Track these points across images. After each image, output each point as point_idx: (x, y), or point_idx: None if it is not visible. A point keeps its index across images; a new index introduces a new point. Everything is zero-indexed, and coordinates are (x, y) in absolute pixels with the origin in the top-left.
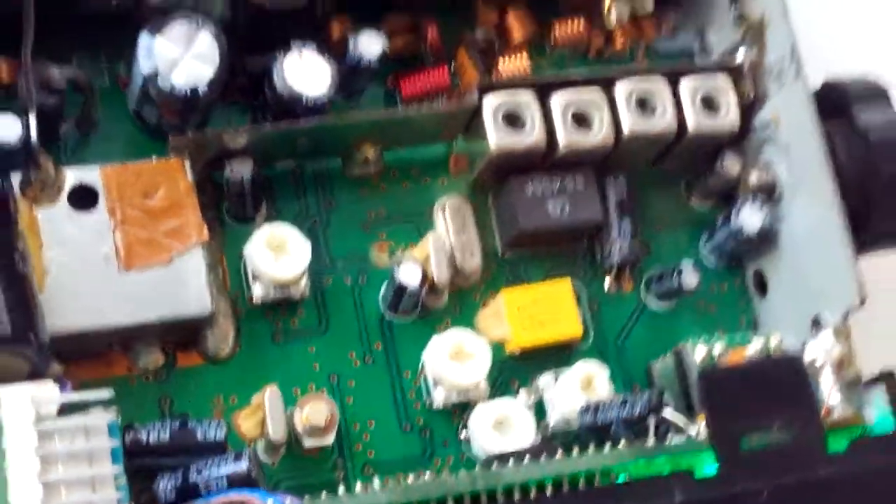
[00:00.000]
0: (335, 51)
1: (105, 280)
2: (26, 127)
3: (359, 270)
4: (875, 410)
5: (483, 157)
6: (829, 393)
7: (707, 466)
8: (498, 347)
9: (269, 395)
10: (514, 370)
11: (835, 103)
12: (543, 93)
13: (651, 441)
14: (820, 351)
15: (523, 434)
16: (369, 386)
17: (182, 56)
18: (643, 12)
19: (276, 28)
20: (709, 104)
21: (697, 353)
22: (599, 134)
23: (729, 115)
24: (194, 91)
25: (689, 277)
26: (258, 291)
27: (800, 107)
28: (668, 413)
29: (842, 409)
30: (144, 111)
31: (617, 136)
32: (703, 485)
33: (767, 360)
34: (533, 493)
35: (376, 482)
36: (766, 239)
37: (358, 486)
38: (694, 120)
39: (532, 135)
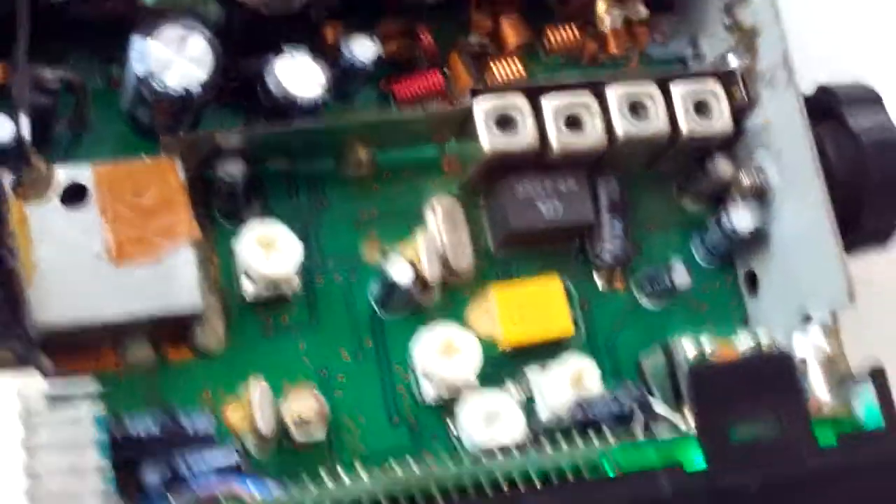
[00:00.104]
0: (329, 55)
1: (95, 276)
2: (18, 126)
3: (350, 268)
4: (863, 406)
5: (476, 159)
6: (818, 388)
7: (696, 460)
8: (489, 344)
9: (258, 389)
10: (504, 367)
11: (827, 107)
12: (535, 96)
13: (639, 434)
14: (809, 347)
15: (513, 428)
16: (359, 381)
17: (175, 58)
18: (637, 19)
19: (270, 32)
20: (701, 109)
21: (687, 348)
22: (592, 137)
23: (721, 120)
24: (187, 93)
25: (681, 276)
26: (249, 289)
27: (791, 112)
28: (657, 407)
29: (831, 404)
30: (138, 112)
31: (610, 139)
32: (691, 478)
33: (757, 355)
34: (520, 486)
35: (362, 472)
36: (758, 240)
37: (343, 476)
38: (686, 124)
39: (524, 137)
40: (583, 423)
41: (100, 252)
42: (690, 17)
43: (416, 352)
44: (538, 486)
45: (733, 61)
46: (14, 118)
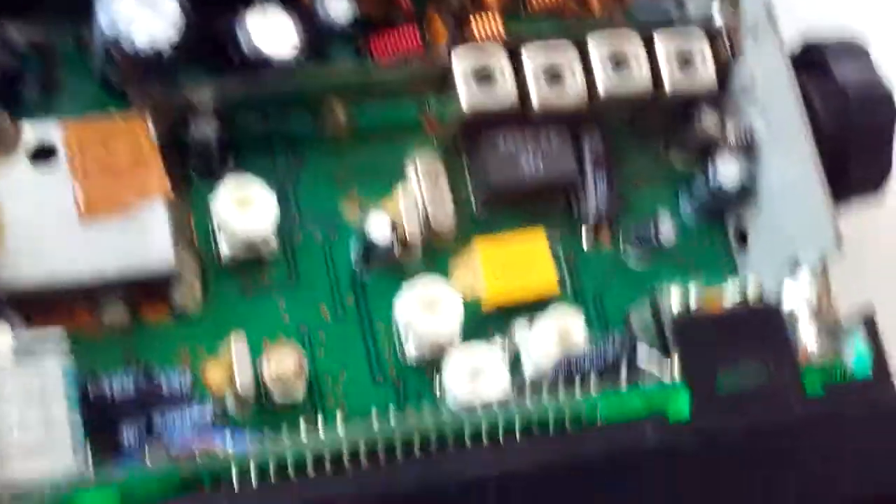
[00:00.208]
0: (303, 14)
1: (65, 235)
2: None
3: (329, 226)
4: (854, 354)
5: (455, 116)
6: (807, 336)
7: (681, 409)
8: (473, 302)
9: (236, 346)
10: (489, 323)
11: (813, 60)
12: (515, 51)
13: (623, 384)
14: (797, 295)
15: (497, 383)
16: (341, 339)
17: (142, 15)
18: None
19: None
20: (685, 64)
21: (673, 297)
22: (574, 93)
23: (705, 73)
24: (156, 51)
25: (666, 229)
26: (225, 245)
27: (776, 65)
28: (643, 357)
29: (819, 351)
30: (108, 71)
31: (592, 95)
32: (676, 426)
33: (743, 304)
34: (502, 438)
35: (339, 422)
36: (745, 193)
37: (320, 425)
38: (670, 78)
39: (504, 94)
40: (568, 376)
41: (70, 210)
42: None
43: (398, 308)
44: (519, 437)
45: (717, 18)
46: None
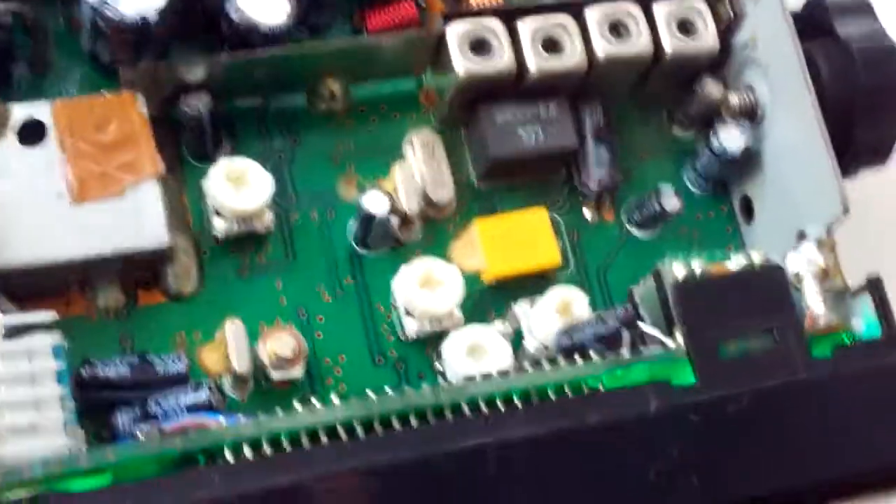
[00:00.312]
0: None
1: (57, 214)
2: None
3: (326, 205)
4: (863, 320)
5: (451, 86)
6: (814, 301)
7: (685, 376)
8: (473, 278)
9: (232, 328)
10: (491, 300)
11: (815, 20)
12: (511, 19)
13: (626, 353)
14: (803, 261)
15: (498, 360)
16: (340, 320)
17: None
18: None
19: None
20: (685, 27)
21: (677, 270)
22: (572, 59)
23: (707, 38)
24: (144, 20)
25: (669, 200)
26: (220, 225)
27: (778, 25)
28: (645, 327)
29: (827, 317)
30: (97, 48)
31: (590, 61)
32: (679, 392)
33: (747, 269)
34: (501, 407)
35: (335, 398)
36: (750, 160)
37: (315, 402)
38: (671, 43)
39: (500, 61)
40: (569, 348)
41: (61, 189)
42: None
43: (396, 285)
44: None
45: None
46: None
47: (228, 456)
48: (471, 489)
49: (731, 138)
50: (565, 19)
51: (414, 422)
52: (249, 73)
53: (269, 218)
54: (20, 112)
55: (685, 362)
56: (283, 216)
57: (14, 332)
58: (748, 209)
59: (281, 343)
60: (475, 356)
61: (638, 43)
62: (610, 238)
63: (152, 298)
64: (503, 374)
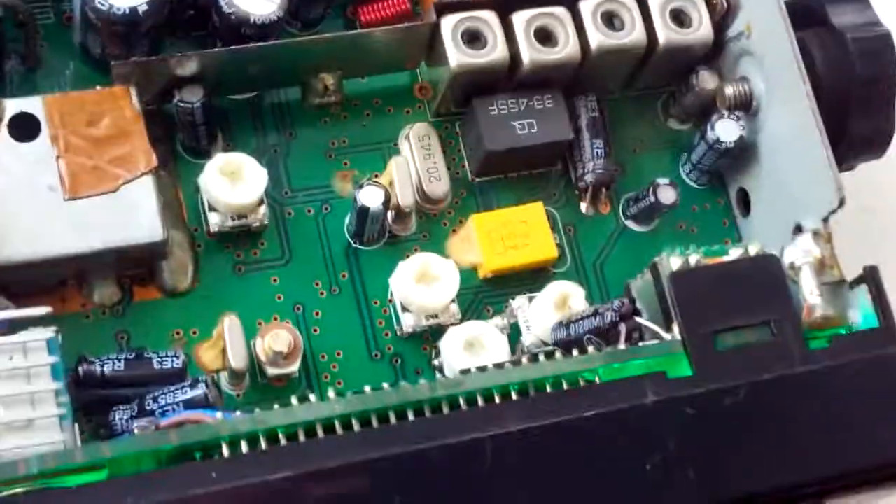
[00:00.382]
0: None
1: (51, 209)
2: None
3: (322, 200)
4: (860, 311)
5: (445, 79)
6: (810, 293)
7: (682, 368)
8: (471, 273)
9: (228, 324)
10: (488, 295)
11: (810, 9)
12: (505, 11)
13: (622, 346)
14: (799, 253)
15: (496, 355)
16: (336, 315)
17: None
18: None
19: None
20: (679, 17)
21: (674, 264)
22: (565, 50)
23: (701, 29)
24: (133, 11)
25: (665, 192)
26: (215, 220)
27: (772, 14)
28: (641, 318)
29: (823, 309)
30: (89, 42)
31: (584, 52)
32: (676, 384)
33: (742, 260)
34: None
35: (331, 393)
36: (745, 151)
37: (312, 398)
38: (665, 34)
39: (494, 52)
40: (566, 341)
41: (54, 184)
42: None
43: (393, 280)
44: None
45: None
46: None
47: (225, 451)
48: (468, 482)
49: (726, 129)
50: (559, 10)
51: (411, 416)
52: (243, 67)
53: (263, 213)
54: (12, 106)
55: (682, 355)
56: (279, 211)
57: (8, 327)
58: (745, 202)
59: (277, 338)
60: (473, 351)
61: (632, 34)
62: (606, 231)
63: (148, 294)
64: (500, 367)
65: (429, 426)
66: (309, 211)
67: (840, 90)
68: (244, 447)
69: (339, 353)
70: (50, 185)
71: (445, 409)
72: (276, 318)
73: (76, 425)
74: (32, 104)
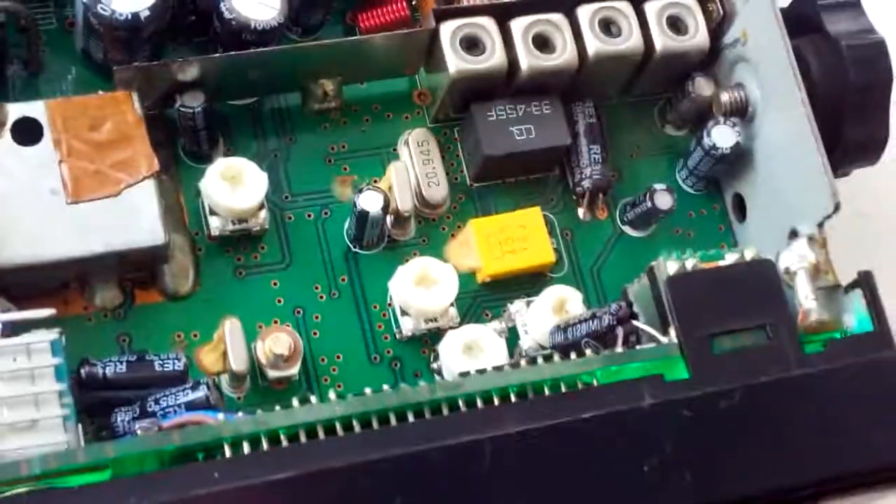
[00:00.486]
0: None
1: (53, 213)
2: None
3: (322, 204)
4: (854, 315)
5: (444, 85)
6: (805, 297)
7: (678, 371)
8: (469, 277)
9: (229, 327)
10: (486, 299)
11: (805, 16)
12: (503, 18)
13: (620, 349)
14: (794, 258)
15: (494, 358)
16: (336, 319)
17: None
18: None
19: None
20: (676, 24)
21: (670, 268)
22: (562, 57)
23: (697, 36)
24: (135, 16)
25: (662, 198)
26: (216, 224)
27: (768, 21)
28: (638, 322)
29: (819, 313)
30: (91, 47)
31: (581, 58)
32: (673, 387)
33: (738, 264)
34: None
35: (332, 395)
36: (741, 157)
37: (313, 399)
38: (661, 41)
39: (492, 59)
40: (564, 345)
41: (56, 188)
42: None
43: (392, 284)
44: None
45: None
46: None
47: (227, 452)
48: (467, 483)
49: (722, 136)
50: (557, 17)
51: (411, 418)
52: (243, 73)
53: (264, 217)
54: (15, 111)
55: (678, 358)
56: (279, 215)
57: (11, 329)
58: (741, 207)
59: (277, 342)
60: (471, 355)
61: (629, 41)
62: (603, 236)
63: (149, 297)
64: (499, 370)
65: (429, 428)
66: (309, 215)
67: (835, 97)
68: (246, 448)
69: (338, 357)
70: (52, 189)
71: (445, 411)
72: (276, 322)
73: (80, 426)
74: (35, 109)
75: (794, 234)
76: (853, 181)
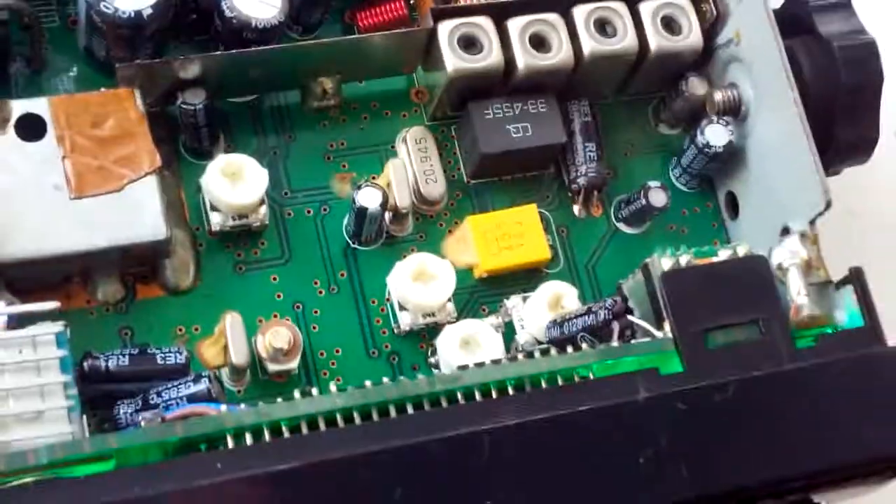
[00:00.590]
0: None
1: (56, 208)
2: None
3: (321, 201)
4: (845, 311)
5: (442, 84)
6: (797, 293)
7: (673, 365)
8: (466, 273)
9: (230, 321)
10: (483, 295)
11: (797, 17)
12: (500, 17)
13: (615, 343)
14: (786, 254)
15: (491, 353)
16: (335, 314)
17: None
18: None
19: None
20: (670, 25)
21: (664, 264)
22: (558, 56)
23: (691, 36)
24: (138, 14)
25: (656, 195)
26: (217, 220)
27: (760, 21)
28: (633, 316)
29: (810, 308)
30: (93, 45)
31: (577, 58)
32: (667, 380)
33: (731, 260)
34: (494, 395)
35: (333, 387)
36: (734, 156)
37: (314, 392)
38: (655, 41)
39: (489, 58)
40: (560, 339)
41: (60, 183)
42: None
43: (390, 279)
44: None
45: None
46: None
47: (230, 443)
48: (466, 474)
49: (715, 134)
50: (553, 17)
51: (410, 410)
52: (244, 71)
53: (264, 213)
54: (19, 107)
55: (673, 352)
56: (278, 211)
57: (16, 321)
58: (733, 205)
59: (277, 336)
60: (468, 349)
61: (624, 41)
62: (598, 233)
63: (150, 292)
64: (496, 363)
65: (428, 420)
66: (308, 211)
67: (826, 97)
68: (248, 439)
69: (337, 351)
70: (56, 185)
71: (444, 404)
72: (276, 316)
73: (84, 417)
74: (39, 105)
75: (786, 231)
76: (843, 179)
